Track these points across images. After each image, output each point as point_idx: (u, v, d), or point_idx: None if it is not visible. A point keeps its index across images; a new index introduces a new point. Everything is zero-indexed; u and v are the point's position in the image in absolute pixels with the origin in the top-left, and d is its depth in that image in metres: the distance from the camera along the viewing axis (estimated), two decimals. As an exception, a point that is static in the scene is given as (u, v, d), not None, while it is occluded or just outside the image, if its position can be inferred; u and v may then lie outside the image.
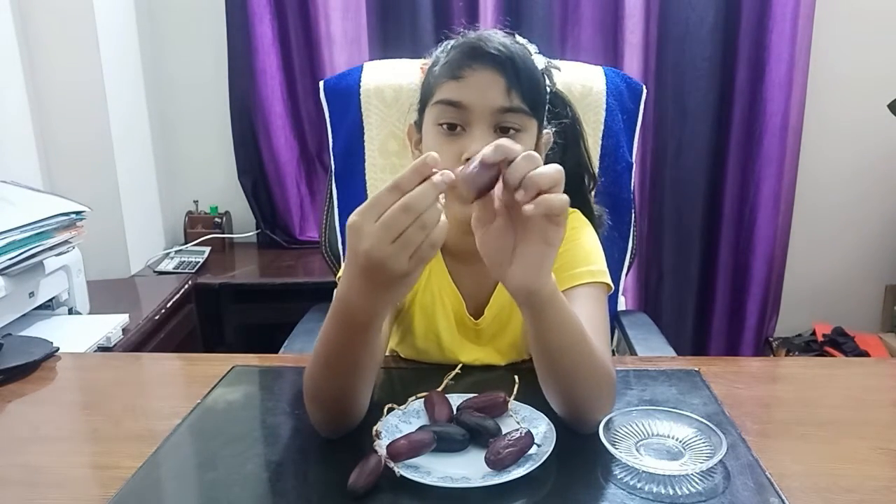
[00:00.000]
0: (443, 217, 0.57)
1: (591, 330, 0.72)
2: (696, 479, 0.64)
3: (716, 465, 0.65)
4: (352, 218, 0.57)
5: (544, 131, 0.87)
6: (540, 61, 0.86)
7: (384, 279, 0.57)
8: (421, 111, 0.87)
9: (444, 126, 0.81)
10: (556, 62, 0.93)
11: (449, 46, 0.85)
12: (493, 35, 0.82)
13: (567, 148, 0.94)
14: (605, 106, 1.14)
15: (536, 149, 0.86)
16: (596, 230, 0.92)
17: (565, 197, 0.60)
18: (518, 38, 0.86)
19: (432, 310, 0.90)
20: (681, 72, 2.04)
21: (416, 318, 0.90)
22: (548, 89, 0.88)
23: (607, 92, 1.15)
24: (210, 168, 2.25)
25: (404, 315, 0.91)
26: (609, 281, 0.84)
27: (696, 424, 0.70)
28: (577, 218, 0.92)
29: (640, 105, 1.18)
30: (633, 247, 1.23)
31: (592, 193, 0.98)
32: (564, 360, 0.68)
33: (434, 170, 0.56)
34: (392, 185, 0.56)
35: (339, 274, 0.64)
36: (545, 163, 0.88)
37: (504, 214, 0.63)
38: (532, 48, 0.87)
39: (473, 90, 0.79)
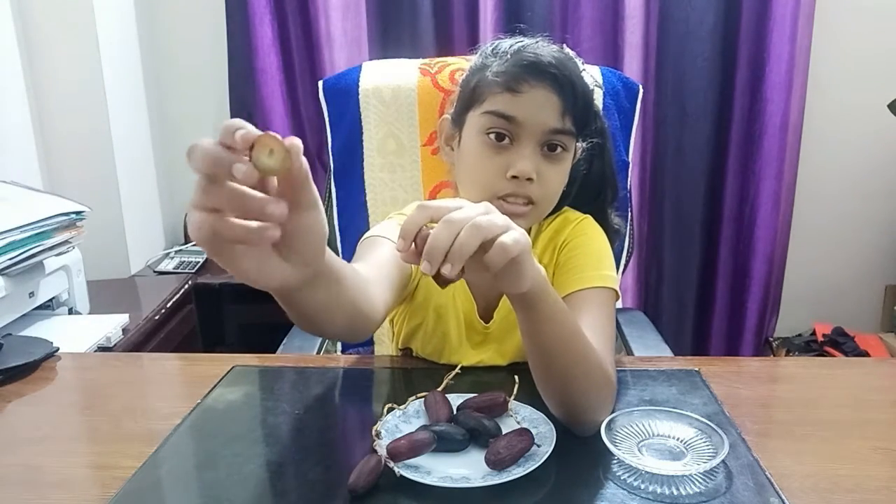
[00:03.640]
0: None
1: (595, 334, 0.72)
2: (697, 479, 0.64)
3: (717, 465, 0.65)
4: None
5: (577, 144, 0.86)
6: (589, 79, 0.85)
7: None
8: (463, 111, 0.86)
9: (492, 136, 0.81)
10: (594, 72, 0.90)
11: (501, 51, 0.83)
12: (548, 49, 0.81)
13: (593, 159, 0.93)
14: (601, 106, 1.14)
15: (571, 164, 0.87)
16: (610, 241, 0.92)
17: (505, 244, 0.55)
18: (567, 49, 0.85)
19: (445, 310, 0.90)
20: (681, 72, 2.04)
21: (430, 317, 0.90)
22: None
23: (604, 92, 1.14)
24: (210, 168, 2.25)
25: (417, 309, 0.91)
26: (617, 288, 0.84)
27: (697, 424, 0.70)
28: (589, 224, 0.92)
29: (636, 104, 1.18)
30: (629, 245, 1.24)
31: (613, 206, 0.97)
32: (558, 359, 0.68)
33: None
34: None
35: None
36: (571, 174, 0.88)
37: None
38: (580, 63, 0.86)
39: (529, 107, 0.79)
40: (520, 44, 0.83)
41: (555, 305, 0.66)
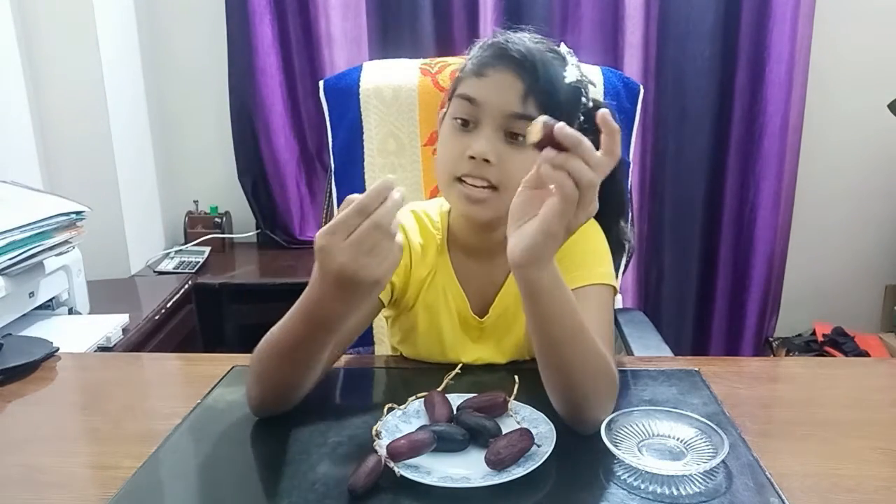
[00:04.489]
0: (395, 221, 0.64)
1: (594, 331, 0.72)
2: (697, 479, 0.64)
3: (717, 465, 0.65)
4: (321, 239, 0.62)
5: None
6: (573, 73, 0.84)
7: (362, 288, 0.64)
8: (447, 103, 0.87)
9: (458, 121, 0.81)
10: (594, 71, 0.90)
11: (485, 44, 0.84)
12: (523, 38, 0.81)
13: None
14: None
15: None
16: (613, 254, 0.90)
17: (592, 175, 0.62)
18: (563, 46, 0.85)
19: (436, 308, 0.89)
20: (681, 71, 2.04)
21: (420, 317, 0.90)
22: (584, 104, 0.85)
23: (605, 92, 1.14)
24: (210, 168, 2.25)
25: (408, 314, 0.91)
26: (616, 284, 0.84)
27: (697, 424, 0.70)
28: (589, 223, 0.91)
29: (637, 104, 1.18)
30: (630, 245, 1.23)
31: (626, 220, 0.96)
32: (563, 351, 0.68)
33: (394, 190, 0.63)
34: (358, 207, 0.62)
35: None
36: None
37: (543, 187, 0.65)
38: (572, 59, 0.85)
39: (490, 89, 0.79)
40: (501, 35, 0.83)
41: (563, 301, 0.67)
